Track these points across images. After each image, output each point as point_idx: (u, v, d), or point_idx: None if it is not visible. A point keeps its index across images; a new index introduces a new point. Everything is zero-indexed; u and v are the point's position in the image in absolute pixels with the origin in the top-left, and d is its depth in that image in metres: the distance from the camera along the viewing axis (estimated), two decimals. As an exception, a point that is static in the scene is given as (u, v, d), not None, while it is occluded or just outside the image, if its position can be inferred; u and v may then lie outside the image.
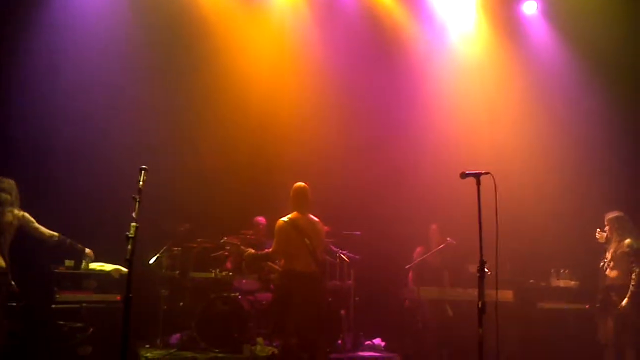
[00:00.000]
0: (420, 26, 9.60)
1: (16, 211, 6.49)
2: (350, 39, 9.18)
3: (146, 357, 6.74)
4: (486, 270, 4.75)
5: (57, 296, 6.83)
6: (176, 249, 7.85)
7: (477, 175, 4.92)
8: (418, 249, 8.36)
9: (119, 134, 8.13)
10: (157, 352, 6.99)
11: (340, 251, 8.07)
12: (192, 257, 7.96)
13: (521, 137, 9.11)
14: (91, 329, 6.79)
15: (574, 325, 7.96)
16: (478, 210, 4.79)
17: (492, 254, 4.83)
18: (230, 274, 7.79)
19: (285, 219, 6.44)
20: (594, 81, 8.96)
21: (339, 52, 9.14)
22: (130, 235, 4.34)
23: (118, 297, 7.00)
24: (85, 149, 8.03)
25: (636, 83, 8.90)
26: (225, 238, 7.66)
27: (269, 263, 7.61)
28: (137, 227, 4.39)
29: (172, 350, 7.08)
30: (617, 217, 7.22)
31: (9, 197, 6.42)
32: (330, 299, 7.68)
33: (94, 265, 7.25)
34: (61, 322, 6.73)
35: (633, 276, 6.85)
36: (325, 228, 7.68)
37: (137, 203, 4.52)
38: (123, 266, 7.02)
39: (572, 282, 8.41)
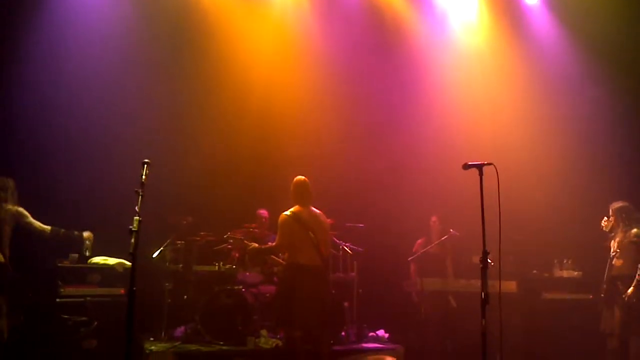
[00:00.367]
0: (422, 16, 9.58)
1: (9, 206, 6.57)
2: (351, 29, 9.15)
3: (150, 350, 6.75)
4: (489, 261, 4.76)
5: (62, 290, 6.86)
6: (179, 242, 7.86)
7: (479, 167, 4.91)
8: (419, 241, 8.37)
9: (121, 129, 8.14)
10: (161, 345, 7.01)
11: (343, 243, 8.09)
12: (196, 251, 7.97)
13: (523, 128, 9.09)
14: (95, 323, 6.81)
15: (577, 316, 7.96)
16: (481, 201, 4.79)
17: (495, 245, 4.83)
18: (234, 267, 7.81)
19: (288, 212, 6.45)
20: (596, 71, 8.94)
21: (340, 43, 9.11)
22: (133, 229, 4.36)
23: (122, 291, 7.02)
24: (87, 143, 8.04)
25: (639, 73, 8.87)
26: (229, 233, 7.68)
27: (273, 257, 7.62)
28: (140, 221, 4.40)
29: (176, 344, 7.09)
30: (623, 207, 7.19)
31: (2, 194, 6.55)
32: (333, 291, 7.69)
33: (98, 259, 7.27)
34: (66, 316, 6.75)
35: (640, 265, 6.85)
36: (329, 220, 7.71)
37: (140, 197, 4.53)
38: (127, 260, 7.04)
39: (576, 273, 8.43)
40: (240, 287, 7.53)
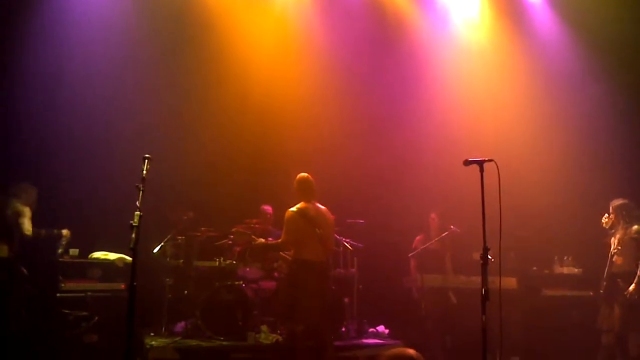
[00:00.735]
0: (424, 12, 9.55)
1: (18, 204, 6.84)
2: (352, 24, 9.13)
3: (151, 345, 6.76)
4: (489, 257, 4.76)
5: (62, 285, 6.88)
6: (180, 237, 7.87)
7: (480, 163, 4.91)
8: (418, 237, 8.37)
9: (122, 124, 8.14)
10: (162, 340, 7.01)
11: (343, 239, 8.09)
12: (196, 246, 7.98)
13: (524, 124, 9.07)
14: (96, 318, 6.83)
15: (577, 312, 7.97)
16: (481, 197, 4.78)
17: (496, 241, 4.83)
18: (234, 262, 7.81)
19: (294, 208, 6.48)
20: (598, 68, 8.91)
21: (342, 38, 9.09)
22: (134, 224, 4.36)
23: (123, 286, 7.03)
24: (88, 139, 8.05)
25: (641, 69, 8.87)
26: (234, 229, 7.71)
27: (281, 253, 7.61)
28: (141, 216, 4.40)
29: (177, 339, 7.10)
30: (623, 204, 7.19)
31: (19, 192, 6.94)
32: (334, 287, 7.70)
33: (99, 255, 7.29)
34: (66, 311, 6.77)
35: (640, 262, 6.84)
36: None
37: (141, 192, 4.53)
38: (127, 255, 7.06)
39: (576, 269, 8.43)
40: (241, 282, 7.54)
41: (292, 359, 6.37)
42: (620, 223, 7.16)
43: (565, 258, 8.51)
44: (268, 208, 8.36)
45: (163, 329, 7.47)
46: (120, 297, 6.78)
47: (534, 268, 8.53)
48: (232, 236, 7.83)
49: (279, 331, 7.33)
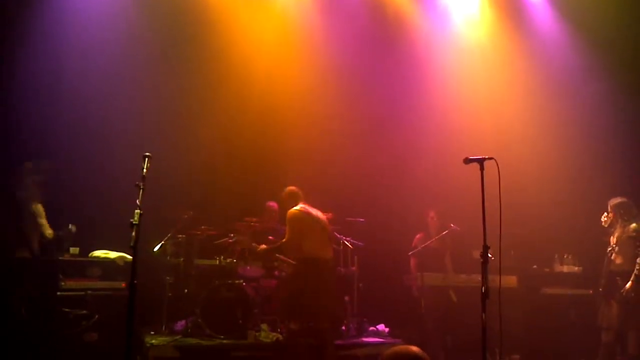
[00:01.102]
0: (424, 10, 9.54)
1: (33, 205, 7.08)
2: (353, 23, 9.12)
3: (151, 344, 6.77)
4: (489, 255, 4.76)
5: (62, 284, 6.86)
6: (180, 236, 7.87)
7: (480, 161, 4.91)
8: (418, 236, 8.37)
9: (122, 123, 8.12)
10: (162, 339, 7.02)
11: (344, 238, 8.09)
12: (196, 245, 7.98)
13: (525, 123, 9.07)
14: (96, 316, 6.82)
15: (577, 311, 7.97)
16: (482, 195, 4.78)
17: (496, 239, 4.83)
18: (235, 260, 7.81)
19: (297, 208, 6.50)
20: (598, 66, 8.91)
21: (342, 37, 9.08)
22: (134, 223, 4.35)
23: (123, 284, 7.03)
24: (88, 137, 8.03)
25: (641, 67, 8.86)
26: (232, 235, 7.71)
27: (281, 257, 7.59)
28: (141, 214, 4.39)
29: (177, 337, 7.10)
30: (621, 203, 7.21)
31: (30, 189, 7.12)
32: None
33: (99, 253, 7.28)
34: (66, 310, 6.76)
35: (638, 260, 6.84)
36: (329, 215, 7.74)
37: (141, 190, 4.52)
38: (127, 253, 7.06)
39: (576, 268, 8.43)
40: (241, 281, 7.54)
41: (293, 357, 6.39)
42: (619, 221, 7.19)
43: (565, 256, 8.52)
44: (274, 204, 8.33)
45: (163, 327, 7.48)
46: (121, 295, 6.75)
47: (534, 266, 8.53)
48: (232, 234, 7.83)
49: (279, 329, 7.33)
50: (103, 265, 7.17)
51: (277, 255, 7.53)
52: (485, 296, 4.63)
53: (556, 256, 8.56)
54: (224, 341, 7.06)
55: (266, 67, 8.81)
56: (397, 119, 9.24)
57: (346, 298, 7.82)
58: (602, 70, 8.90)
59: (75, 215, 7.58)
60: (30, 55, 7.77)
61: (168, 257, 7.82)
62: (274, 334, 7.25)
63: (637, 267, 6.83)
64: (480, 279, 4.74)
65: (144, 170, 4.65)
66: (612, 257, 7.15)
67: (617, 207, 7.22)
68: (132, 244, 4.34)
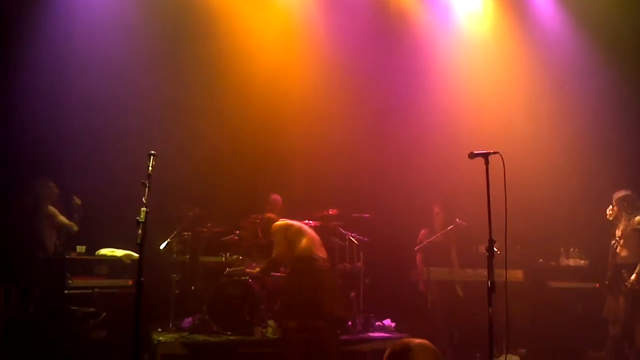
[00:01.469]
0: (427, 5, 9.52)
1: (47, 208, 7.28)
2: (355, 19, 9.10)
3: (158, 341, 6.78)
4: (495, 249, 4.76)
5: (70, 282, 6.90)
6: (186, 233, 7.89)
7: (485, 155, 4.90)
8: (422, 231, 8.37)
9: (126, 121, 8.15)
10: (169, 336, 7.04)
11: (349, 233, 8.10)
12: (203, 242, 8.00)
13: (529, 116, 9.06)
14: (104, 314, 6.85)
15: (583, 304, 7.97)
16: (487, 190, 4.78)
17: (502, 234, 4.83)
18: (241, 257, 7.83)
19: (278, 222, 6.80)
20: (602, 59, 8.88)
21: (345, 33, 9.06)
22: (140, 220, 4.36)
23: (130, 282, 7.06)
24: (93, 136, 8.05)
25: (645, 60, 8.83)
26: (238, 232, 7.73)
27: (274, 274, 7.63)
28: (147, 212, 4.40)
29: (184, 334, 7.12)
30: (625, 196, 7.21)
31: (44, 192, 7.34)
32: (340, 281, 7.73)
33: (105, 251, 7.31)
34: (74, 308, 6.79)
35: (643, 252, 6.85)
36: (334, 210, 7.76)
37: (147, 188, 4.53)
38: (134, 251, 7.09)
39: (582, 261, 8.42)
40: (247, 277, 7.55)
41: (288, 353, 6.45)
42: (623, 215, 7.19)
43: (571, 250, 8.51)
44: (277, 197, 8.32)
45: (170, 324, 7.50)
46: (128, 293, 6.79)
47: (540, 260, 8.52)
48: (238, 231, 7.85)
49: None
50: (110, 263, 7.21)
51: (272, 273, 7.47)
52: (491, 290, 4.64)
53: (562, 250, 8.55)
54: (231, 337, 7.08)
55: (270, 64, 8.80)
56: (401, 114, 9.24)
57: (352, 294, 7.83)
58: (605, 64, 8.87)
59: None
60: (34, 54, 7.79)
61: (174, 255, 7.84)
62: (281, 330, 7.26)
63: (642, 259, 6.83)
64: (486, 273, 4.75)
65: (150, 168, 4.66)
66: (617, 250, 7.16)
67: (621, 200, 7.22)
68: (138, 242, 4.36)
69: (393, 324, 8.23)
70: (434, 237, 8.14)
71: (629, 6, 8.71)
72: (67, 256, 7.06)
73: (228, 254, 7.85)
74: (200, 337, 7.05)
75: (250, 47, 8.78)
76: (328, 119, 8.95)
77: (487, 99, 9.26)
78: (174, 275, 7.68)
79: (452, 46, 9.45)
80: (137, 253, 4.46)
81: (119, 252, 7.29)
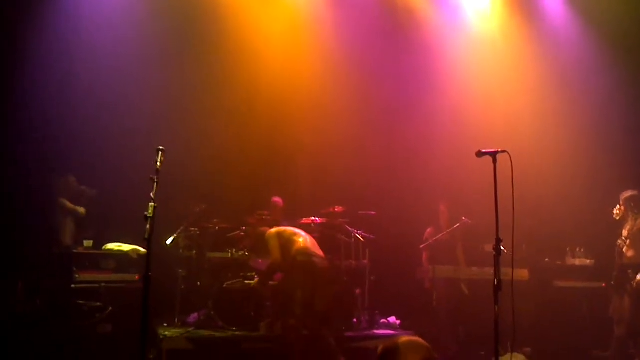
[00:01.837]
0: (435, 3, 9.51)
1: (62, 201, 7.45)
2: (364, 16, 9.11)
3: (164, 336, 6.81)
4: (502, 248, 4.75)
5: (77, 276, 6.93)
6: (193, 229, 7.90)
7: (493, 154, 4.88)
8: (428, 230, 8.37)
9: (133, 118, 8.16)
10: (175, 331, 7.07)
11: (355, 231, 8.10)
12: (209, 238, 8.01)
13: (536, 115, 9.04)
14: (110, 308, 6.88)
15: (589, 304, 7.96)
16: (494, 189, 4.77)
17: (508, 232, 4.82)
18: (246, 253, 7.84)
19: (272, 230, 6.83)
20: (609, 57, 8.86)
21: (353, 31, 9.07)
22: (149, 215, 4.36)
23: (136, 277, 7.08)
24: (101, 133, 8.07)
25: (654, 60, 8.80)
26: (244, 228, 7.76)
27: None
28: (155, 207, 4.40)
29: (190, 329, 7.14)
30: (632, 196, 7.21)
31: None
32: (345, 278, 7.74)
33: (112, 246, 7.34)
34: (81, 302, 6.83)
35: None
36: (340, 208, 7.75)
37: (155, 184, 4.54)
38: (141, 246, 7.11)
39: (588, 261, 8.42)
40: (253, 273, 7.56)
41: (289, 351, 6.48)
42: (630, 215, 7.19)
43: (577, 249, 8.51)
44: (278, 200, 8.36)
45: (176, 319, 7.52)
46: (134, 288, 6.82)
47: (546, 259, 8.52)
48: (244, 227, 7.86)
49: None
50: (117, 258, 7.25)
51: (273, 274, 7.27)
52: (497, 288, 4.64)
53: (568, 249, 8.55)
54: (236, 333, 7.10)
55: (276, 61, 8.81)
56: (408, 112, 9.22)
57: (357, 291, 7.84)
58: (613, 63, 8.85)
59: (89, 209, 7.68)
60: (42, 53, 7.81)
61: (180, 250, 7.85)
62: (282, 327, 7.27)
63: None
64: (491, 271, 4.74)
65: (158, 163, 4.66)
66: (624, 250, 7.15)
67: (628, 200, 7.21)
68: (146, 237, 4.35)
69: (398, 322, 8.23)
70: (439, 235, 8.14)
71: (637, 5, 8.68)
72: (74, 250, 7.09)
73: (234, 250, 7.86)
74: (205, 333, 7.07)
75: (258, 45, 8.79)
76: (335, 116, 8.95)
77: (495, 97, 9.25)
78: (180, 270, 7.70)
79: (460, 44, 9.44)
80: (145, 248, 4.46)
81: (126, 247, 7.32)
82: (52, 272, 6.93)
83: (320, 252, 6.70)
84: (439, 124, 9.08)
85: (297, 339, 6.49)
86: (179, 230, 7.74)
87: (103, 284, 6.98)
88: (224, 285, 7.47)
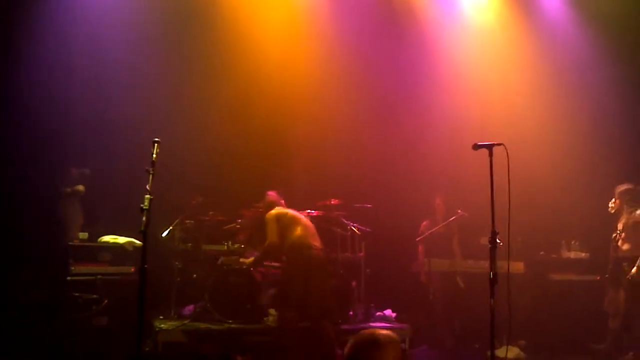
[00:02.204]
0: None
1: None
2: (361, 10, 9.09)
3: (160, 328, 6.81)
4: (498, 241, 4.76)
5: (73, 268, 6.92)
6: (189, 221, 7.89)
7: (489, 147, 4.89)
8: (424, 223, 8.38)
9: (131, 109, 8.13)
10: (171, 324, 7.06)
11: (351, 224, 8.10)
12: (205, 230, 8.00)
13: (534, 108, 9.04)
14: (106, 301, 6.88)
15: (584, 297, 7.98)
16: (490, 182, 4.77)
17: (504, 225, 4.83)
18: (242, 246, 7.84)
19: (272, 212, 6.76)
20: (608, 50, 8.86)
21: (351, 24, 9.05)
22: (144, 208, 4.36)
23: (132, 269, 7.08)
24: (98, 124, 8.06)
25: (651, 53, 8.80)
26: (240, 220, 7.70)
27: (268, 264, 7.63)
28: (151, 200, 4.40)
29: (185, 322, 7.14)
30: (627, 190, 7.24)
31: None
32: (341, 271, 7.74)
33: (108, 238, 7.33)
34: (76, 294, 6.82)
35: (644, 245, 6.87)
36: (336, 200, 7.73)
37: (151, 176, 4.53)
38: (136, 239, 7.10)
39: (583, 254, 8.44)
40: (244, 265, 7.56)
41: (287, 342, 6.48)
42: (625, 208, 7.21)
43: (572, 243, 8.52)
44: (273, 194, 8.34)
45: (172, 312, 7.52)
46: (130, 280, 6.81)
47: (542, 253, 8.54)
48: (240, 220, 7.86)
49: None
50: (112, 250, 7.24)
51: (268, 258, 7.39)
52: (493, 282, 4.65)
53: (563, 242, 8.57)
54: (232, 325, 7.10)
55: (276, 53, 8.79)
56: (405, 104, 9.23)
57: (353, 283, 7.85)
58: (610, 56, 8.85)
59: (85, 200, 7.66)
60: (41, 46, 7.79)
61: (176, 243, 7.84)
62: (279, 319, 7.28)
63: (643, 252, 6.85)
64: (487, 264, 4.75)
65: (154, 155, 4.65)
66: (619, 243, 7.19)
67: (623, 193, 7.25)
68: (142, 229, 4.35)
69: (394, 315, 8.25)
70: (435, 228, 8.15)
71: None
72: (70, 243, 7.08)
73: (230, 243, 7.86)
74: (201, 325, 7.07)
75: (256, 38, 8.77)
76: (332, 109, 8.94)
77: (492, 91, 9.25)
78: (176, 263, 7.69)
79: (457, 37, 9.42)
80: (141, 240, 4.46)
81: (122, 239, 7.31)
82: (49, 264, 6.93)
83: (317, 242, 6.66)
84: (435, 116, 9.07)
85: (294, 331, 6.50)
86: (174, 223, 7.73)
87: (99, 276, 6.97)
88: (219, 262, 7.54)
